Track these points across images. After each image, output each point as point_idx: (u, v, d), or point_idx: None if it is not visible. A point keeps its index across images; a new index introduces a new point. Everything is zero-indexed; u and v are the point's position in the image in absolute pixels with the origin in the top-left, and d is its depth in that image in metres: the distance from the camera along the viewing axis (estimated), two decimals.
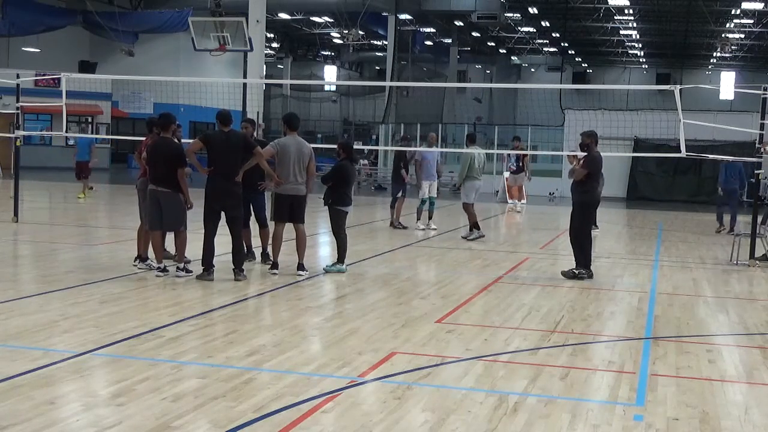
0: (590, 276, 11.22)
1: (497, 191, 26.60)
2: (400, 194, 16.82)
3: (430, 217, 16.75)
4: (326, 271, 10.94)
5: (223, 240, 10.40)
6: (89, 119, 37.22)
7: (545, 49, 59.66)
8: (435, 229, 16.50)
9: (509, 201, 23.04)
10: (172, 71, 37.10)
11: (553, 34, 53.47)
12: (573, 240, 11.38)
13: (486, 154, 17.04)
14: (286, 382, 5.96)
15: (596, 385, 6.28)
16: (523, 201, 23.69)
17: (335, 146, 11.92)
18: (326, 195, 11.03)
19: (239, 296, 9.26)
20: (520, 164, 22.26)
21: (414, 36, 45.94)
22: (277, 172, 10.40)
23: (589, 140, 11.17)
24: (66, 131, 17.42)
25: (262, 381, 6.00)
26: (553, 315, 8.78)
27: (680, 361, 7.02)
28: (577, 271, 11.17)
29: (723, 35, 48.33)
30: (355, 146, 12.53)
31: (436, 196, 16.77)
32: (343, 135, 52.99)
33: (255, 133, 12.48)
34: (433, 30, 49.10)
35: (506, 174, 24.25)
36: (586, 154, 11.20)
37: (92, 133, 36.14)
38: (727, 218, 18.28)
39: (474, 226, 15.30)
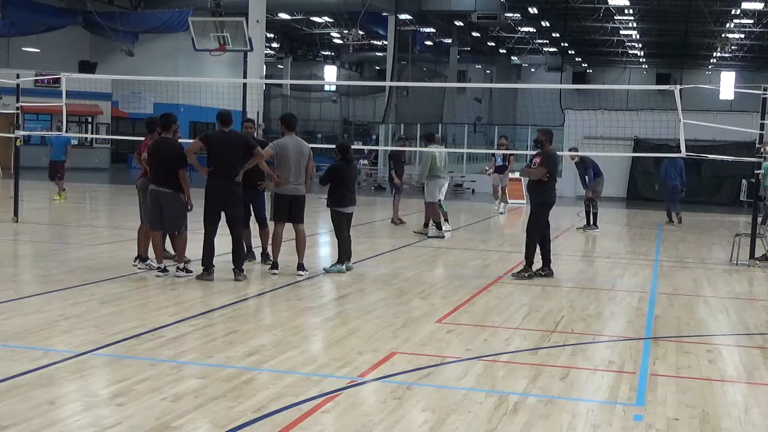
0: (550, 274, 11.20)
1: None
2: (394, 193, 17.73)
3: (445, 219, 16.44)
4: (326, 271, 10.94)
5: (223, 240, 10.40)
6: (89, 119, 37.21)
7: (545, 49, 59.64)
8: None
9: (500, 202, 22.22)
10: (172, 71, 37.05)
11: (553, 34, 53.47)
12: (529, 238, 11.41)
13: (448, 153, 17.42)
14: (286, 382, 5.96)
15: (596, 385, 6.28)
16: (505, 202, 22.84)
17: (334, 146, 11.95)
18: (327, 196, 11.07)
19: (239, 296, 9.26)
20: (506, 163, 21.79)
21: (414, 36, 45.91)
22: (276, 173, 10.40)
23: (544, 138, 11.35)
24: (66, 131, 17.41)
25: (262, 381, 6.00)
26: (553, 315, 8.77)
27: (680, 361, 7.02)
28: (539, 272, 11.14)
29: (723, 35, 48.34)
30: (354, 146, 12.56)
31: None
32: (342, 135, 53.02)
33: (255, 134, 12.50)
34: (433, 30, 49.10)
35: (490, 172, 22.91)
36: (538, 151, 11.28)
37: (92, 132, 36.17)
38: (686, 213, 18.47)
39: (438, 225, 15.45)
